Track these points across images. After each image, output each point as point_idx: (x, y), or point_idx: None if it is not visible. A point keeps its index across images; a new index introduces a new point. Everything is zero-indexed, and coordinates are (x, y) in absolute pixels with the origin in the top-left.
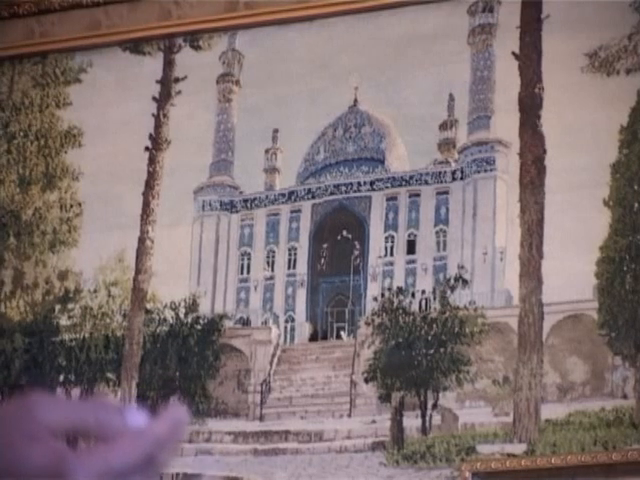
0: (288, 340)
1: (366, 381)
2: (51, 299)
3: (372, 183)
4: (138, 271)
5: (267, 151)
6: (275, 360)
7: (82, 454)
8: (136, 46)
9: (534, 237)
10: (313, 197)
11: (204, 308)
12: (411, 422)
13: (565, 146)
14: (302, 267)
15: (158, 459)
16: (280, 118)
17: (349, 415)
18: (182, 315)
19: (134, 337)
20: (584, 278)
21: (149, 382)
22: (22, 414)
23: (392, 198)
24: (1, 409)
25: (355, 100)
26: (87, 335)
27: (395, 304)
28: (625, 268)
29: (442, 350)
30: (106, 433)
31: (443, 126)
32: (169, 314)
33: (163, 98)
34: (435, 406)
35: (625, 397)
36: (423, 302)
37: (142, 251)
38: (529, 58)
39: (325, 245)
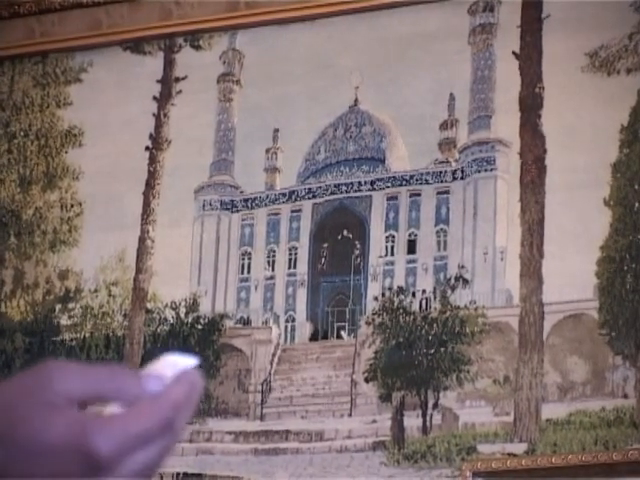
0: (289, 340)
1: (367, 381)
2: (52, 299)
3: (373, 183)
4: (139, 271)
5: (267, 151)
6: (276, 360)
7: (102, 422)
8: (137, 46)
9: (535, 237)
10: (314, 197)
11: (204, 308)
12: (412, 422)
13: (565, 146)
14: (302, 267)
15: (177, 424)
16: (281, 118)
17: (350, 415)
18: (183, 315)
19: (135, 337)
20: (585, 277)
21: None
22: (39, 383)
23: (393, 198)
24: (17, 380)
25: (356, 100)
26: (88, 335)
27: (396, 304)
28: (626, 267)
29: (443, 350)
30: (124, 400)
31: (444, 126)
32: (170, 314)
33: (164, 98)
34: (436, 406)
35: (626, 397)
36: (424, 302)
37: (142, 251)
38: (529, 58)
39: (326, 245)
